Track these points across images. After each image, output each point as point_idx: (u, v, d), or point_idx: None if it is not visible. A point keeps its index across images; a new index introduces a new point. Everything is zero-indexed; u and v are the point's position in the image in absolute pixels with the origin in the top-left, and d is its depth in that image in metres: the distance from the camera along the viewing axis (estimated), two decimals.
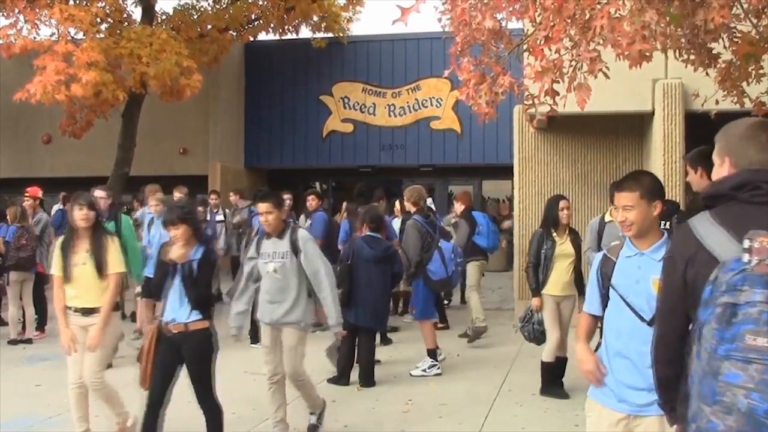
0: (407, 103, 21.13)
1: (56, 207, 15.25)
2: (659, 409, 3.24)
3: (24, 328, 11.37)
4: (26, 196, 12.50)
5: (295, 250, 6.60)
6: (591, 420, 4.04)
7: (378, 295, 8.82)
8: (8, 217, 11.38)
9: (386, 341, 11.00)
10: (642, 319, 3.78)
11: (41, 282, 11.47)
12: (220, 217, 14.98)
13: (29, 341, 11.10)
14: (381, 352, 10.14)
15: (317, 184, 23.44)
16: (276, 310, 6.63)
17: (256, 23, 19.74)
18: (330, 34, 20.61)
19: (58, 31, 15.37)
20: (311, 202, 12.67)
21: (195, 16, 19.11)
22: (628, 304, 3.84)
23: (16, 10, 15.25)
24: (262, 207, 6.62)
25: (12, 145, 22.26)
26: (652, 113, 11.27)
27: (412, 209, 9.64)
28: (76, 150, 19.97)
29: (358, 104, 21.47)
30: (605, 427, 3.90)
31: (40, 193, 12.74)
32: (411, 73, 21.09)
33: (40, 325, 11.61)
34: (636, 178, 3.92)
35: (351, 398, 8.12)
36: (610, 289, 3.95)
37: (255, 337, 10.77)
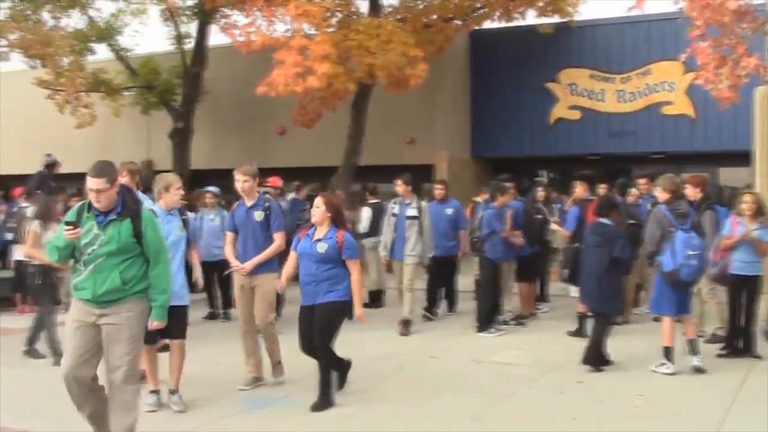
0: (637, 88, 20.44)
1: (291, 195, 15.86)
2: None
3: None
4: (267, 186, 13.07)
5: None
6: None
7: (594, 279, 8.82)
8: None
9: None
10: None
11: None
12: (413, 212, 11.36)
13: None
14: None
15: (543, 173, 23.11)
16: None
17: (480, 11, 19.69)
18: (556, 19, 20.20)
19: (292, 27, 15.99)
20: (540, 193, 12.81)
21: (420, 7, 19.33)
22: None
23: (255, 9, 16.00)
24: None
25: (248, 137, 23.42)
26: None
27: (665, 197, 9.10)
28: (307, 141, 20.73)
29: (586, 90, 21.00)
30: None
31: (280, 183, 13.25)
32: (641, 56, 20.36)
33: None
34: None
35: (578, 390, 7.94)
36: None
37: (483, 325, 10.80)
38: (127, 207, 5.74)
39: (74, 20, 21.59)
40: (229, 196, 12.79)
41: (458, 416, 6.99)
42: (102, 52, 22.63)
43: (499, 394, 7.72)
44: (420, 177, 22.24)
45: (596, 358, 8.71)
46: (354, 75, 16.40)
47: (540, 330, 11.22)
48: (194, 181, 19.10)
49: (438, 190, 12.48)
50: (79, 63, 20.23)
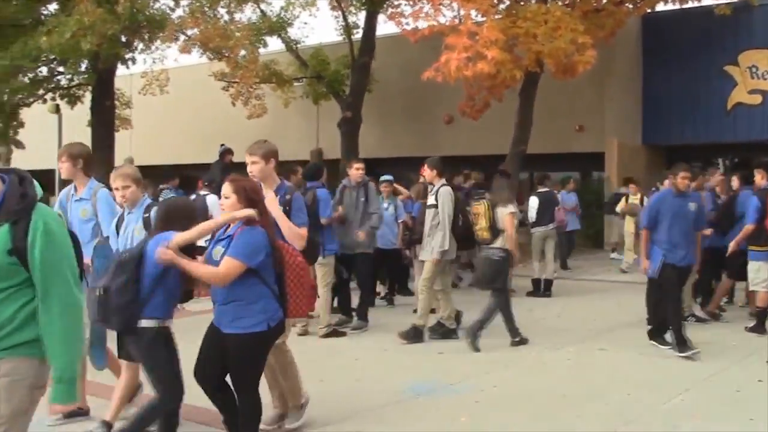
0: None
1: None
2: None
3: None
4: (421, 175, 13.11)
5: None
6: None
7: None
8: (412, 194, 12.27)
9: None
10: None
11: None
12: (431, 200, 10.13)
13: (432, 311, 11.55)
14: None
15: (719, 161, 22.15)
16: None
17: None
18: None
19: (459, 14, 15.94)
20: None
21: None
22: None
23: None
24: None
25: (415, 126, 23.57)
26: None
27: None
28: (475, 129, 20.62)
29: None
30: None
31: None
32: None
33: None
34: None
35: (757, 389, 7.51)
36: None
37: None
38: (6, 206, 3.54)
39: (246, 14, 22.33)
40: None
41: (629, 410, 6.78)
42: (273, 44, 23.34)
43: (671, 389, 7.42)
44: (590, 165, 21.85)
45: None
46: (521, 63, 16.17)
47: (717, 324, 10.75)
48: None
49: (683, 179, 9.01)
50: (254, 55, 20.91)
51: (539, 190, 14.06)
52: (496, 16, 16.13)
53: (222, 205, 5.32)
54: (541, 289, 13.36)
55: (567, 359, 8.84)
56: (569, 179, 17.67)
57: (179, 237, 5.04)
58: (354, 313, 10.72)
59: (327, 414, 6.68)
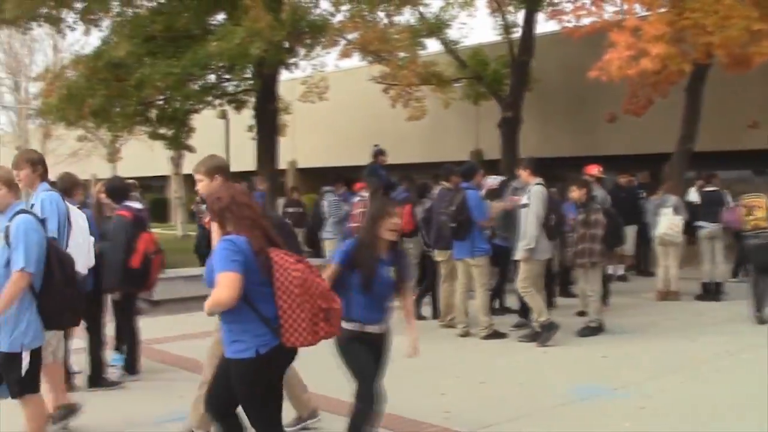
0: None
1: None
2: None
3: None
4: (585, 174, 12.76)
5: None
6: None
7: None
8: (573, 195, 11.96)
9: None
10: None
11: None
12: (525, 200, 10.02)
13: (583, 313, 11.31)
14: None
15: None
16: None
17: None
18: None
19: (622, 9, 15.51)
20: None
21: None
22: None
23: None
24: None
25: (576, 125, 23.09)
26: None
27: None
28: (638, 127, 20.01)
29: None
30: None
31: (594, 171, 12.87)
32: None
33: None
34: None
35: None
36: None
37: None
38: None
39: (405, 16, 22.49)
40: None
41: None
42: (431, 46, 23.43)
43: None
44: (763, 163, 20.79)
45: None
46: (689, 56, 15.54)
47: None
48: None
49: None
50: (414, 57, 21.05)
51: (705, 189, 13.49)
52: (660, 9, 15.58)
53: None
54: (711, 292, 12.79)
55: (739, 367, 8.42)
56: None
57: None
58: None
59: (487, 416, 6.63)
